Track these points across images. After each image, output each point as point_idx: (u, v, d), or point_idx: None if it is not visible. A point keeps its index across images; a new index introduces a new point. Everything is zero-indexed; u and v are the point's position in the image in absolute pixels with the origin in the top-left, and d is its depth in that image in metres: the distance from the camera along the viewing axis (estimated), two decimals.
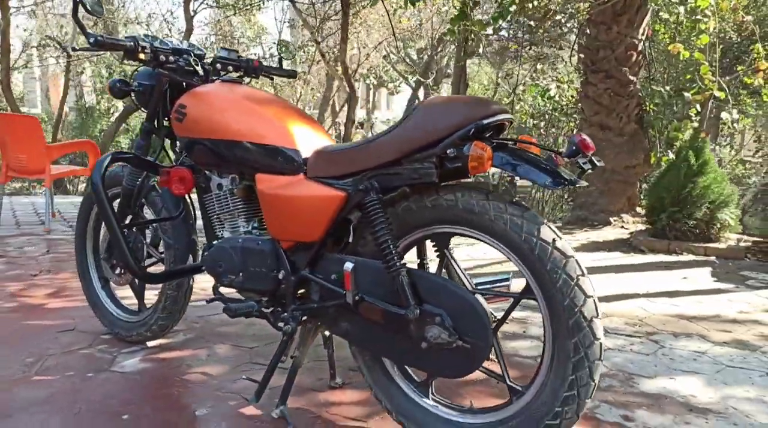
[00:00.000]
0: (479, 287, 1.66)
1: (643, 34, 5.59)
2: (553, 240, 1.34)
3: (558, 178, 1.31)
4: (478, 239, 1.44)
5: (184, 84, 1.99)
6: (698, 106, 5.35)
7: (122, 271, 2.15)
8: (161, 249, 2.17)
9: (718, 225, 4.48)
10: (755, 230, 6.31)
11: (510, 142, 1.44)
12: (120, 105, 14.81)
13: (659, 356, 2.33)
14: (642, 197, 5.88)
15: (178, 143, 2.04)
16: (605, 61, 5.54)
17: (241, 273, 1.75)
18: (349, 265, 1.49)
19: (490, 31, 6.87)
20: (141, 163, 2.00)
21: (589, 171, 1.34)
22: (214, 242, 1.85)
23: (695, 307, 3.04)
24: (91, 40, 1.71)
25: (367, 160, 1.49)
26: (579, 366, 1.32)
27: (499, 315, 1.49)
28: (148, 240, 2.16)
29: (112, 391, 1.86)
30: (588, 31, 5.79)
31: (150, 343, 2.26)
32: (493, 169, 1.39)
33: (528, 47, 9.93)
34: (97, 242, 2.36)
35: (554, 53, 11.93)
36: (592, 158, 1.34)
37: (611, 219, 5.58)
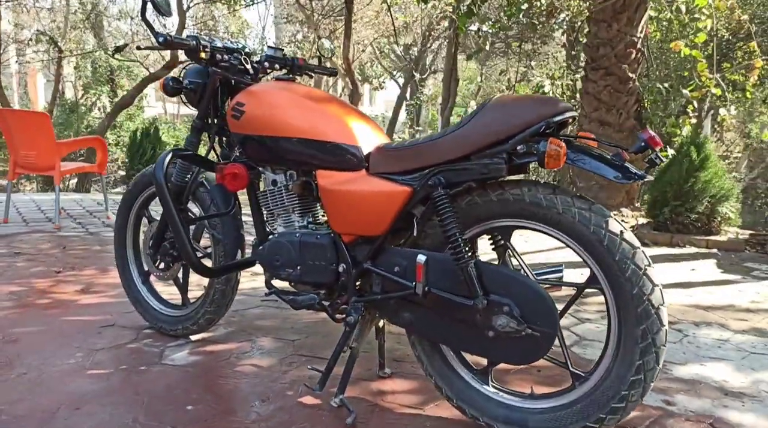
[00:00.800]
0: (539, 277, 1.73)
1: (641, 32, 5.71)
2: (621, 232, 1.41)
3: (627, 173, 1.38)
4: (543, 232, 1.51)
5: (232, 82, 2.02)
6: (695, 103, 5.49)
7: (167, 266, 2.18)
8: (201, 244, 2.21)
9: (719, 219, 4.62)
10: (743, 223, 6.50)
11: (573, 139, 1.50)
12: (106, 101, 14.63)
13: (685, 344, 2.43)
14: (641, 192, 6.02)
15: (226, 140, 2.07)
16: (605, 59, 5.66)
17: (299, 267, 1.80)
18: (422, 258, 1.54)
19: (487, 28, 6.96)
20: (197, 159, 2.02)
21: (659, 164, 1.41)
22: (270, 237, 1.89)
23: (708, 297, 3.15)
24: (161, 39, 1.73)
25: (434, 156, 1.55)
26: (646, 351, 1.39)
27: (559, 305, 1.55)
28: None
29: (171, 383, 1.89)
30: (588, 29, 5.90)
31: (193, 337, 2.29)
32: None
33: (519, 44, 10.06)
34: (137, 237, 2.38)
35: (544, 50, 12.09)
36: (659, 153, 1.42)
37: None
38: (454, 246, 1.51)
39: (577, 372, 1.53)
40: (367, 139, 1.74)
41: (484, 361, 1.66)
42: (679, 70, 6.29)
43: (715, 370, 2.16)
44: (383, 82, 21.23)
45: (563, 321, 2.62)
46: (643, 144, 1.39)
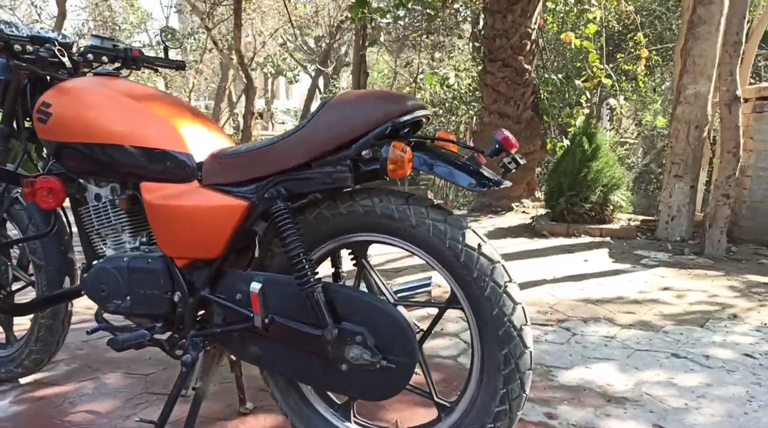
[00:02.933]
0: (399, 295, 1.55)
1: (535, 24, 5.75)
2: (479, 245, 1.25)
3: (482, 179, 1.22)
4: (398, 247, 1.33)
5: (48, 79, 1.70)
6: (588, 93, 5.59)
7: None
8: (32, 269, 1.87)
9: (611, 207, 4.71)
10: (638, 208, 6.77)
11: (428, 141, 1.33)
12: None
13: (573, 344, 2.36)
14: (540, 183, 6.09)
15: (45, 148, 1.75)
16: (502, 50, 5.64)
17: (128, 297, 1.52)
18: (256, 286, 1.31)
19: (389, 18, 6.81)
20: (2, 173, 1.69)
21: (513, 170, 1.26)
22: (95, 262, 1.60)
23: (599, 290, 3.14)
24: None
25: (271, 163, 1.33)
26: (510, 379, 1.24)
27: (423, 323, 1.38)
28: (14, 261, 1.85)
29: None
30: (484, 20, 5.87)
31: (23, 380, 1.95)
32: None
33: (425, 36, 10.01)
34: None
35: (451, 42, 12.15)
36: (515, 156, 1.26)
37: (513, 205, 5.73)
38: (297, 267, 1.30)
39: (442, 402, 1.37)
40: (202, 145, 1.49)
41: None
42: (574, 61, 6.42)
43: (600, 373, 2.08)
44: (297, 76, 20.74)
45: (447, 329, 2.49)
46: (497, 146, 1.23)
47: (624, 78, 8.35)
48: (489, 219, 5.45)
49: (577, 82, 5.41)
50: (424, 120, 1.33)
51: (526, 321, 1.25)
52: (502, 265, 1.26)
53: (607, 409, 1.82)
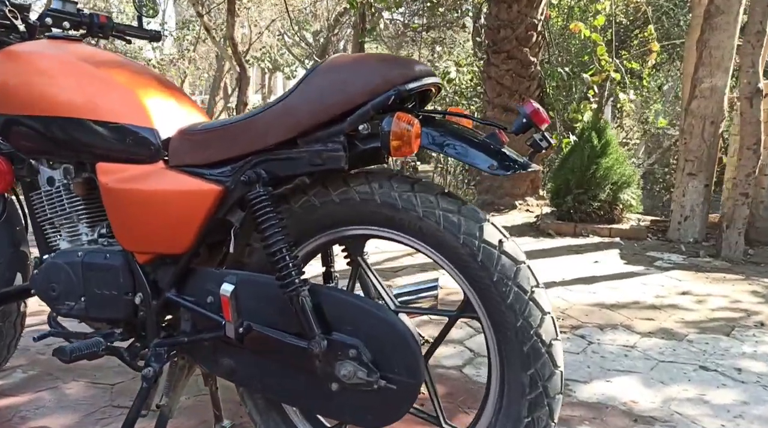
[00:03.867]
0: (401, 300, 1.33)
1: (541, 15, 5.52)
2: (500, 241, 1.03)
3: (505, 161, 1.00)
4: (401, 242, 1.10)
5: None
6: (596, 88, 5.37)
7: None
8: None
9: (621, 206, 4.49)
10: (645, 209, 6.55)
11: (438, 115, 1.11)
12: None
13: (590, 354, 2.14)
14: (545, 180, 5.87)
15: None
16: (506, 42, 5.42)
17: (83, 298, 1.29)
18: (227, 288, 1.09)
19: (386, 15, 6.58)
20: None
21: (544, 150, 1.04)
22: (46, 256, 1.37)
23: (613, 294, 2.92)
24: None
25: (250, 140, 1.10)
26: (537, 405, 1.02)
27: (424, 329, 1.16)
28: None
29: None
30: (488, 9, 5.64)
31: None
32: None
33: (425, 30, 9.78)
34: None
35: (451, 37, 11.92)
36: (545, 134, 1.04)
37: (516, 203, 5.51)
38: (279, 265, 1.07)
39: None
40: (170, 120, 1.26)
41: None
42: (580, 56, 6.19)
43: (622, 387, 1.86)
44: (295, 71, 20.43)
45: (451, 335, 2.26)
46: (525, 120, 1.01)
47: (629, 76, 8.13)
48: (491, 217, 5.22)
49: (584, 75, 5.18)
50: (433, 89, 1.11)
51: (557, 335, 1.03)
52: (528, 267, 1.04)
53: None
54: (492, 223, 1.05)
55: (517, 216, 5.18)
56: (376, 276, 1.19)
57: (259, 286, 1.12)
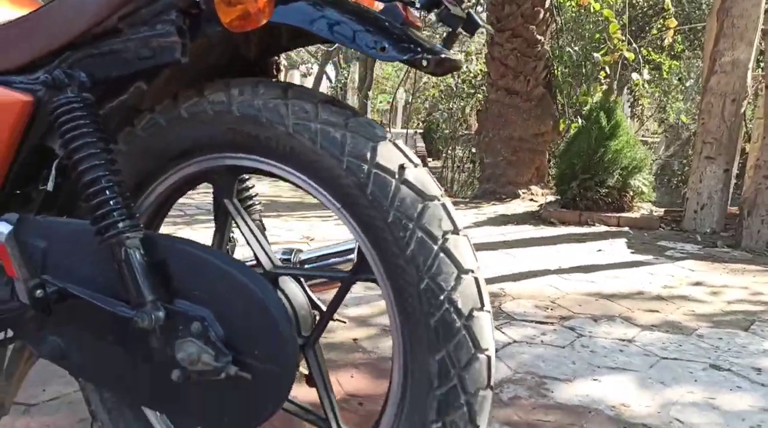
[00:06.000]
0: (309, 266, 1.02)
1: None
2: (402, 167, 0.71)
3: (403, 43, 0.67)
4: (272, 174, 0.79)
5: None
6: (607, 69, 5.00)
7: None
8: None
9: (631, 193, 4.12)
10: (659, 204, 6.15)
11: None
12: None
13: (577, 348, 1.80)
14: (551, 167, 5.50)
15: None
16: (511, 18, 5.06)
17: None
18: (4, 229, 0.78)
19: None
20: None
21: (462, 33, 0.71)
22: None
23: (614, 283, 2.57)
24: None
25: (59, 30, 0.79)
26: (450, 405, 0.70)
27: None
28: None
29: None
30: None
31: None
32: None
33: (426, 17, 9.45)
34: None
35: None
36: (470, 12, 0.71)
37: (520, 192, 5.15)
38: (93, 200, 0.76)
39: None
40: None
41: None
42: (592, 40, 5.80)
43: (612, 388, 1.52)
44: (310, 69, 20.21)
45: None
46: None
47: (648, 65, 7.70)
48: (491, 206, 4.87)
49: (596, 55, 4.81)
50: None
51: (482, 305, 0.71)
52: (443, 205, 0.72)
53: None
54: (393, 143, 0.73)
55: (519, 205, 4.83)
56: (251, 229, 0.87)
57: (68, 234, 0.81)
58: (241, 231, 0.86)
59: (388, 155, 0.71)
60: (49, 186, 0.86)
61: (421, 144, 10.85)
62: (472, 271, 0.70)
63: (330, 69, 17.34)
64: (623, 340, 1.88)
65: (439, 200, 0.71)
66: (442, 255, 0.69)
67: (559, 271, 2.75)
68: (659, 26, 7.20)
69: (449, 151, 8.50)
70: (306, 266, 1.05)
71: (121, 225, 0.75)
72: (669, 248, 3.35)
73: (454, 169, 8.58)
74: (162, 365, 0.77)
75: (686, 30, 7.60)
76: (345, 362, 1.63)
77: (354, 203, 0.72)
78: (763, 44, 3.56)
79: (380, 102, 19.13)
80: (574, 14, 6.97)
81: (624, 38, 4.72)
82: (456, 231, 0.71)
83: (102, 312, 0.78)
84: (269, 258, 0.86)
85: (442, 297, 0.68)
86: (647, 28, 8.15)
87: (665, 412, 1.41)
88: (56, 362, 0.92)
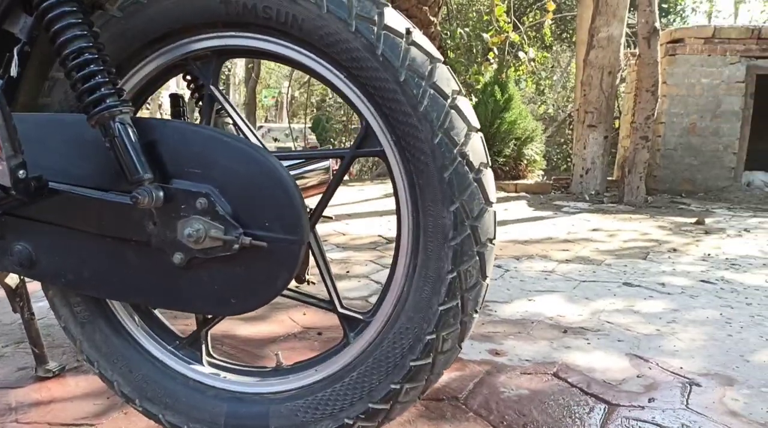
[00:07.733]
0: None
1: None
2: (408, 31, 0.73)
3: None
4: (269, 55, 0.78)
5: None
6: (496, 49, 5.30)
7: None
8: None
9: (525, 162, 4.42)
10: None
11: None
12: None
13: (508, 279, 1.92)
14: None
15: None
16: (405, 0, 5.19)
17: None
18: None
19: None
20: None
21: None
22: None
23: (525, 232, 2.76)
24: None
25: None
26: (463, 254, 0.74)
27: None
28: None
29: None
30: None
31: None
32: None
33: None
34: None
35: None
36: None
37: None
38: (79, 74, 0.71)
39: (351, 314, 0.83)
40: None
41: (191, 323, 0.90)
42: (481, 22, 6.11)
43: (546, 305, 1.65)
44: None
45: (355, 271, 1.97)
46: None
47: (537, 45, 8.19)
48: None
49: (484, 35, 5.08)
50: None
51: (487, 161, 0.75)
52: (448, 69, 0.75)
53: (565, 341, 1.37)
54: (394, 9, 0.75)
55: None
56: (239, 114, 0.85)
57: (48, 123, 0.75)
58: (231, 117, 0.84)
59: (394, 18, 0.73)
60: (12, 71, 0.78)
61: (312, 136, 10.81)
62: (478, 130, 0.75)
63: None
64: (545, 271, 2.03)
65: (441, 63, 0.75)
66: (453, 112, 0.72)
67: None
68: (535, 17, 7.75)
69: (342, 143, 8.56)
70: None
71: (109, 100, 0.71)
72: (564, 206, 3.64)
73: None
74: (162, 250, 0.74)
75: (557, 20, 8.23)
76: (294, 303, 1.61)
77: (361, 68, 0.73)
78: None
79: (265, 97, 18.69)
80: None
81: (510, 20, 5.03)
82: (461, 92, 0.75)
83: (89, 201, 0.73)
84: (260, 142, 0.84)
85: (455, 151, 0.71)
86: (521, 19, 8.73)
87: (596, 318, 1.55)
88: (22, 272, 0.84)
